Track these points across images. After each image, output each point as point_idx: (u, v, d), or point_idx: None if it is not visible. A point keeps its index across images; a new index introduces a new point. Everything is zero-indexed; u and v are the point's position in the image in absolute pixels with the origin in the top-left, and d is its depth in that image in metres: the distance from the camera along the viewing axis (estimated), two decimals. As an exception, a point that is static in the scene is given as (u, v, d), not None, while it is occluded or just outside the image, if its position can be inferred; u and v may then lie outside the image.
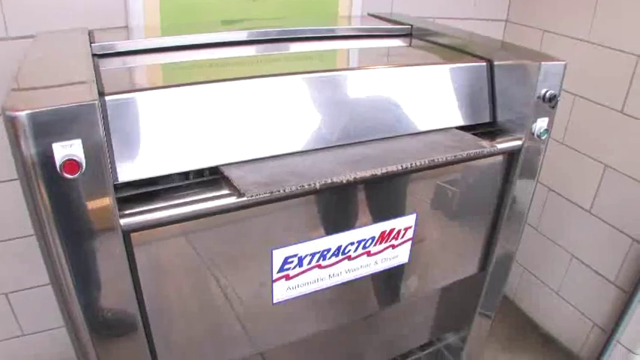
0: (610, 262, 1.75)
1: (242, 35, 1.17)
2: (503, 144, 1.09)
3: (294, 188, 0.80)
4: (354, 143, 0.96)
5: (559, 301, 1.99)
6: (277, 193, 0.79)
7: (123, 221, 0.74)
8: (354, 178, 0.85)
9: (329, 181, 0.83)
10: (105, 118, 0.74)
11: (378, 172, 0.87)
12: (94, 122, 0.65)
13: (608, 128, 1.67)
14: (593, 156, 1.74)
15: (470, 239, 1.25)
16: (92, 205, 0.70)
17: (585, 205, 1.80)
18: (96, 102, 0.65)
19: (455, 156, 0.96)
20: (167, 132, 0.80)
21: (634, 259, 1.67)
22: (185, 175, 0.84)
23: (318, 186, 0.82)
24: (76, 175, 0.66)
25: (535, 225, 2.03)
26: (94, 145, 0.67)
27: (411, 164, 0.91)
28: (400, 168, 0.89)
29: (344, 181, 0.84)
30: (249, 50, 1.15)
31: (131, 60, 1.03)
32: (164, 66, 1.04)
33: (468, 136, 1.05)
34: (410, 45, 1.33)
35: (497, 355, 1.97)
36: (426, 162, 0.92)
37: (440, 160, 0.94)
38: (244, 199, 0.80)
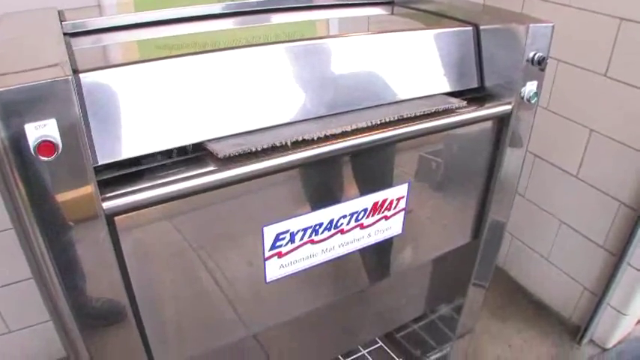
0: (598, 226, 1.76)
1: (219, 8, 1.13)
2: (493, 109, 1.07)
3: (265, 146, 0.82)
4: (339, 113, 0.94)
5: (549, 267, 2.00)
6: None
7: (105, 204, 0.70)
8: (325, 135, 0.87)
9: (300, 139, 0.85)
10: (80, 97, 0.69)
11: (348, 128, 0.89)
12: (68, 100, 0.61)
13: (592, 92, 1.66)
14: (579, 121, 1.74)
15: (462, 207, 1.24)
16: (72, 188, 0.66)
17: (572, 170, 1.80)
18: (69, 77, 0.60)
19: (423, 112, 0.98)
20: (146, 109, 0.76)
21: (622, 222, 1.68)
22: (167, 154, 0.81)
23: (289, 144, 0.83)
24: (52, 158, 0.62)
25: (522, 192, 2.03)
26: (70, 124, 0.62)
27: (380, 120, 0.93)
28: (370, 124, 0.91)
29: (315, 139, 0.86)
30: (227, 23, 1.12)
31: (105, 37, 0.99)
32: (140, 42, 1.00)
33: (440, 96, 1.05)
34: (393, 12, 1.30)
35: (489, 324, 1.98)
36: (395, 118, 0.94)
37: (408, 115, 0.95)
38: (230, 174, 0.77)
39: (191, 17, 1.10)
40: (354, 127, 0.89)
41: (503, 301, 2.09)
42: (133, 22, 1.04)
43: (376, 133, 0.91)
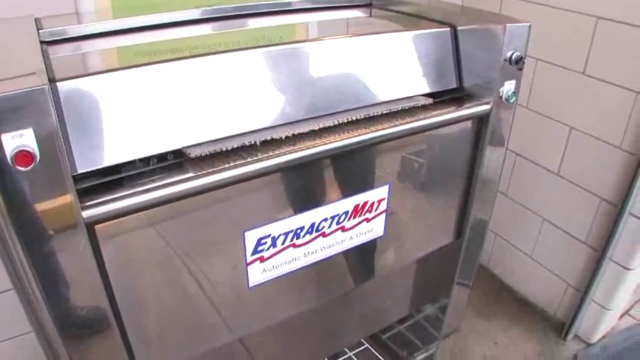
0: (580, 222, 1.78)
1: (197, 13, 1.13)
2: (472, 109, 1.08)
3: (235, 146, 0.84)
4: (318, 117, 0.94)
5: (533, 264, 2.02)
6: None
7: (85, 213, 0.70)
8: (292, 134, 0.89)
9: (269, 138, 0.87)
10: (58, 105, 0.69)
11: (316, 127, 0.91)
12: (45, 109, 0.61)
13: (571, 90, 1.68)
14: (558, 119, 1.75)
15: (444, 208, 1.25)
16: (51, 198, 0.66)
17: (553, 168, 1.82)
18: (46, 87, 0.60)
19: (390, 110, 1.01)
20: (125, 117, 0.76)
21: (603, 218, 1.70)
22: (146, 161, 0.80)
23: (258, 143, 0.86)
24: (29, 168, 0.62)
25: (504, 191, 2.04)
26: (48, 133, 0.62)
27: (347, 119, 0.96)
28: (337, 123, 0.94)
29: (283, 138, 0.88)
30: (206, 28, 1.11)
31: (82, 45, 0.98)
32: (118, 49, 0.99)
33: (415, 97, 1.07)
34: (370, 15, 1.31)
35: (474, 322, 1.99)
36: (362, 116, 0.97)
37: (375, 114, 0.98)
38: (208, 180, 0.78)
39: (169, 23, 1.09)
40: (321, 125, 0.91)
41: (487, 300, 2.11)
42: (111, 30, 1.03)
43: (354, 136, 0.91)
